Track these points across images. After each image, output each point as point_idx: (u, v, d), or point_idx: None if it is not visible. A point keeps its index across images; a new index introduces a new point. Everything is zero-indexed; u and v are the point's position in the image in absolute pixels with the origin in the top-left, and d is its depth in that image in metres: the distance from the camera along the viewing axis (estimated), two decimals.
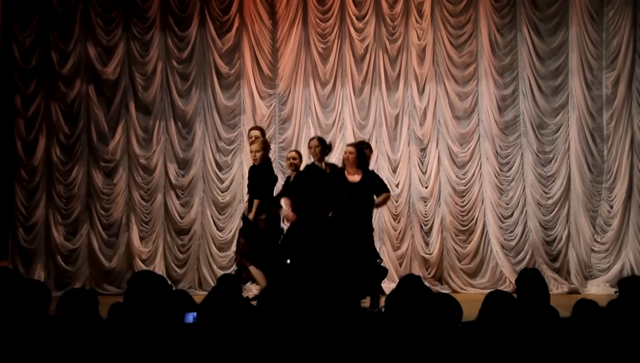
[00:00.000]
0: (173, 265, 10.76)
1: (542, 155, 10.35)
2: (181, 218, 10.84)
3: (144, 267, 10.44)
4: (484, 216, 10.43)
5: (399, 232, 10.52)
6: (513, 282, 9.01)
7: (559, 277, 10.13)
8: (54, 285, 10.39)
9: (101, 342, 3.81)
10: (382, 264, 8.74)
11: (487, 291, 4.35)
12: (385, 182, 9.00)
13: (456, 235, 10.47)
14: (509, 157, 10.43)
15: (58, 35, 10.90)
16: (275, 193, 8.70)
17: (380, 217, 10.41)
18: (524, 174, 10.38)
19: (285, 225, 8.63)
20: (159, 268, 10.59)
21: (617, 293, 4.82)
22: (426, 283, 5.19)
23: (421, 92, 10.61)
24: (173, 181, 10.86)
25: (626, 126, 10.10)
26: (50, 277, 10.68)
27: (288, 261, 8.16)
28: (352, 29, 10.73)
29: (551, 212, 10.29)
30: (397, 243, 10.49)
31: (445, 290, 10.10)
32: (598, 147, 10.20)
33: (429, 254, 10.46)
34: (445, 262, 10.46)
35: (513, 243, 10.34)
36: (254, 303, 4.12)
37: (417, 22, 10.60)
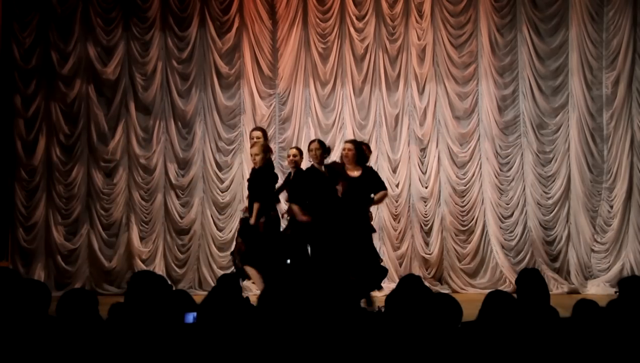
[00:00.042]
0: (173, 265, 10.76)
1: (542, 155, 10.35)
2: (181, 218, 10.83)
3: (144, 267, 10.43)
4: (484, 216, 10.43)
5: (399, 232, 10.52)
6: (513, 282, 9.01)
7: (559, 277, 10.13)
8: (54, 285, 10.39)
9: (101, 342, 3.81)
10: (382, 264, 8.73)
11: (487, 291, 4.35)
12: (384, 180, 8.99)
13: (456, 235, 10.47)
14: (509, 157, 10.43)
15: (58, 35, 10.90)
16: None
17: (380, 217, 10.41)
18: (524, 174, 10.38)
19: (284, 223, 8.64)
20: (159, 268, 10.59)
21: (617, 293, 4.82)
22: (426, 283, 5.18)
23: (421, 92, 10.61)
24: (173, 181, 10.86)
25: (626, 126, 10.10)
26: (50, 277, 10.68)
27: (288, 261, 8.16)
28: (352, 29, 10.73)
29: (551, 212, 10.30)
30: (397, 243, 10.49)
31: (445, 290, 10.10)
32: (598, 147, 10.20)
33: (429, 254, 10.46)
34: (445, 262, 10.46)
35: (513, 243, 10.34)
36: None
37: (417, 22, 10.60)
